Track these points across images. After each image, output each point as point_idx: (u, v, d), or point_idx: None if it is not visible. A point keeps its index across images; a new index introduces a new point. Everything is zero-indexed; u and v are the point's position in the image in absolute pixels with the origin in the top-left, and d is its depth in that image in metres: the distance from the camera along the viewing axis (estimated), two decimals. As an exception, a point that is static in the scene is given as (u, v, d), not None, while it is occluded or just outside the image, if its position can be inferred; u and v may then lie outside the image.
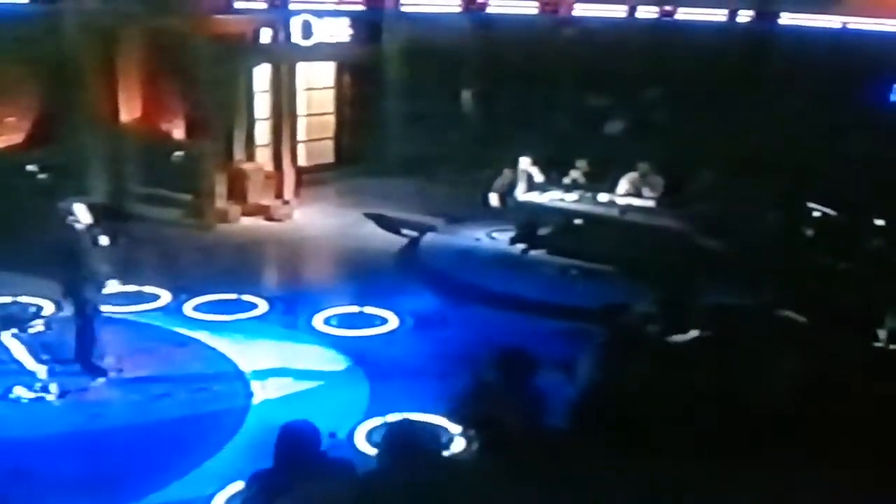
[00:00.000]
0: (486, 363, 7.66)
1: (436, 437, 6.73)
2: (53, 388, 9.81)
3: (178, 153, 16.75)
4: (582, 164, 15.60)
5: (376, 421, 9.37)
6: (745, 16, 21.79)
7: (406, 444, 5.87)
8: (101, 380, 10.13)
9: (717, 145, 16.53)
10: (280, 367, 10.62)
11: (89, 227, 10.27)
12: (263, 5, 18.11)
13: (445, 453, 7.99)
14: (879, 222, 11.97)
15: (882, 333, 10.17)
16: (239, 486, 8.20)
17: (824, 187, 14.58)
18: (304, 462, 5.71)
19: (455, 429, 8.96)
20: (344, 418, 9.44)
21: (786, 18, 21.31)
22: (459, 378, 10.02)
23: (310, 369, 10.71)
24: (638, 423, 7.67)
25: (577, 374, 8.51)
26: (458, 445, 8.57)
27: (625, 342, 8.89)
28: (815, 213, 12.81)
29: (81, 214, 10.22)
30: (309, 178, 18.43)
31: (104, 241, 10.37)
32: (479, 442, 7.55)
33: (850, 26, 20.55)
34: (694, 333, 9.49)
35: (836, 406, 8.98)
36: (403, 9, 20.23)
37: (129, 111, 17.09)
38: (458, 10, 20.70)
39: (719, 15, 21.85)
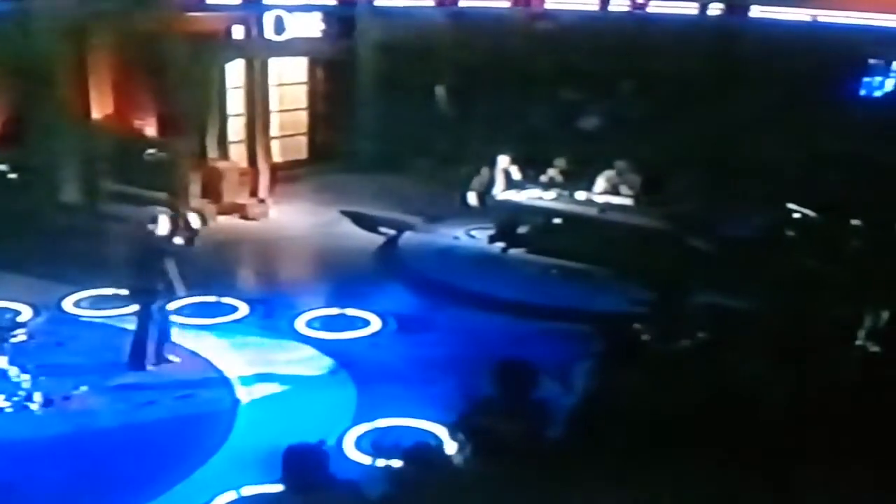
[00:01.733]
0: (483, 375, 7.68)
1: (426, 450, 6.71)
2: (37, 396, 9.69)
3: (151, 151, 16.58)
4: (560, 162, 15.60)
5: (365, 427, 9.38)
6: (715, 8, 21.84)
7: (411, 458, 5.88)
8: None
9: (689, 142, 16.59)
10: (265, 373, 10.58)
11: (168, 234, 10.57)
12: (236, 1, 17.96)
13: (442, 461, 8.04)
14: (855, 222, 12.08)
15: (861, 334, 10.26)
16: (230, 496, 8.22)
17: (797, 184, 14.72)
18: (314, 485, 5.71)
19: (448, 436, 8.99)
20: (332, 425, 9.42)
21: (756, 11, 21.38)
22: (446, 382, 10.11)
23: (295, 374, 10.68)
24: (634, 434, 7.72)
25: (573, 386, 8.52)
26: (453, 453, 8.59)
27: (621, 352, 8.92)
28: (795, 215, 12.91)
29: (162, 222, 10.51)
30: (283, 174, 18.31)
31: (181, 246, 10.71)
32: (475, 451, 7.58)
33: (819, 19, 20.66)
34: (685, 341, 9.52)
35: (821, 408, 9.09)
36: (376, 4, 20.11)
37: (101, 110, 16.87)
38: (431, 4, 20.60)
39: (690, 7, 21.88)
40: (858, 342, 10.36)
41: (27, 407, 9.59)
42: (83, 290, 12.59)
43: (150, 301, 10.53)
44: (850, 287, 11.12)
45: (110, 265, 13.12)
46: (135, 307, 10.77)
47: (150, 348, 10.56)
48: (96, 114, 16.82)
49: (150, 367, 10.53)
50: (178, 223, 10.80)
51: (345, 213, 16.69)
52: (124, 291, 11.11)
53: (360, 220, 16.33)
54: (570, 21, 20.52)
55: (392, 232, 15.68)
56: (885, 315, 10.30)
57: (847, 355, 10.07)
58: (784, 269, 12.13)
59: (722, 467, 8.02)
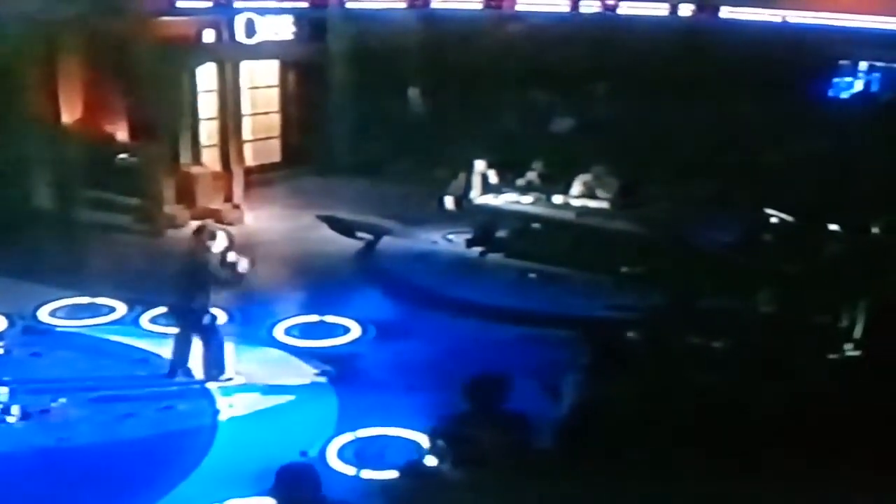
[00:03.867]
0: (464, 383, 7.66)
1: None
2: (15, 409, 9.54)
3: (122, 156, 16.41)
4: (537, 165, 15.62)
5: (348, 437, 9.34)
6: (686, 9, 21.94)
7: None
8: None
9: (663, 143, 16.68)
10: (245, 383, 10.49)
11: (224, 251, 10.47)
12: (206, 4, 17.82)
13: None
14: (832, 226, 12.19)
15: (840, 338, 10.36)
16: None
17: (773, 187, 14.82)
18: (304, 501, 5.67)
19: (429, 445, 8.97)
20: (314, 435, 9.37)
21: (726, 12, 21.50)
22: (427, 389, 10.10)
23: (276, 383, 10.60)
24: (623, 442, 7.75)
25: (562, 396, 8.53)
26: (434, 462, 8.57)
27: (601, 357, 8.94)
28: (773, 219, 13.01)
29: (219, 239, 10.44)
30: (257, 179, 18.22)
31: (243, 265, 10.60)
32: (457, 461, 7.58)
33: (789, 20, 20.81)
34: (665, 346, 9.56)
35: (802, 412, 9.16)
36: (348, 6, 20.03)
37: (71, 115, 16.70)
38: (403, 6, 20.55)
39: (661, 8, 21.96)
40: (838, 346, 10.46)
41: (4, 420, 9.43)
42: (58, 299, 12.43)
43: (199, 316, 10.44)
44: (828, 291, 11.22)
45: (85, 273, 13.06)
46: (180, 322, 10.70)
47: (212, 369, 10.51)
48: (67, 119, 16.65)
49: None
50: (233, 241, 10.76)
51: (321, 218, 16.59)
52: (168, 307, 11.01)
53: (337, 224, 16.23)
54: (542, 22, 20.58)
55: (369, 237, 15.60)
56: (863, 319, 10.41)
57: (826, 360, 10.16)
58: (762, 273, 12.22)
59: (703, 472, 8.09)
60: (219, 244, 10.46)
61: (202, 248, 10.43)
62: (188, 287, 10.44)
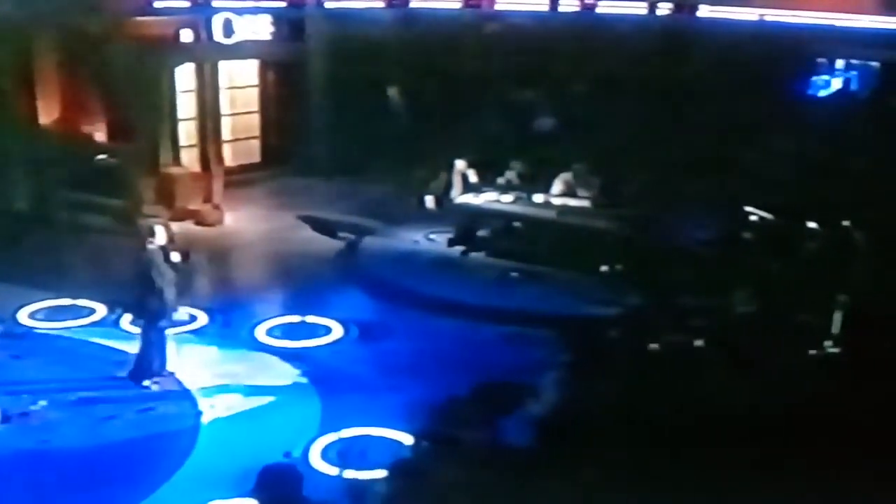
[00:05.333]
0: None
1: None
2: (-6, 412, 9.51)
3: (101, 157, 16.32)
4: (517, 164, 15.62)
5: (331, 437, 9.32)
6: (664, 8, 22.02)
7: None
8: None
9: (643, 142, 16.74)
10: (227, 384, 10.47)
11: (163, 246, 10.46)
12: (184, 4, 17.74)
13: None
14: (810, 224, 12.26)
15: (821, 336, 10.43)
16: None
17: (752, 185, 14.90)
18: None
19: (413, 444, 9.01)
20: (297, 435, 9.35)
21: (705, 11, 21.59)
22: (410, 389, 10.12)
23: (257, 384, 10.57)
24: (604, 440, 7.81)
25: (544, 396, 8.59)
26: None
27: (583, 354, 9.01)
28: (752, 217, 13.06)
29: (159, 235, 10.43)
30: (237, 179, 18.14)
31: (176, 258, 10.60)
32: (441, 459, 7.60)
33: (767, 18, 20.92)
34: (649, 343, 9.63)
35: (782, 408, 9.25)
36: (327, 5, 19.99)
37: (49, 115, 16.59)
38: (382, 5, 20.53)
39: (640, 7, 22.02)
40: (817, 342, 10.54)
41: (-15, 423, 9.39)
42: (38, 301, 12.37)
43: (155, 316, 10.41)
44: (807, 288, 11.29)
45: (64, 274, 12.97)
46: (138, 323, 10.75)
47: (154, 364, 10.47)
48: (45, 120, 16.55)
49: (148, 383, 10.40)
50: (173, 235, 10.79)
51: (302, 219, 16.54)
52: (126, 307, 11.16)
53: (318, 225, 16.19)
54: (521, 22, 20.62)
55: (351, 237, 15.58)
56: (841, 316, 10.48)
57: (806, 356, 10.24)
58: (742, 271, 12.28)
59: (684, 468, 8.16)
60: (158, 240, 10.43)
61: (144, 246, 10.44)
62: (137, 284, 10.47)
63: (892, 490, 8.02)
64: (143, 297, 10.38)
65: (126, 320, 11.85)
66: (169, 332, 10.68)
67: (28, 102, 16.41)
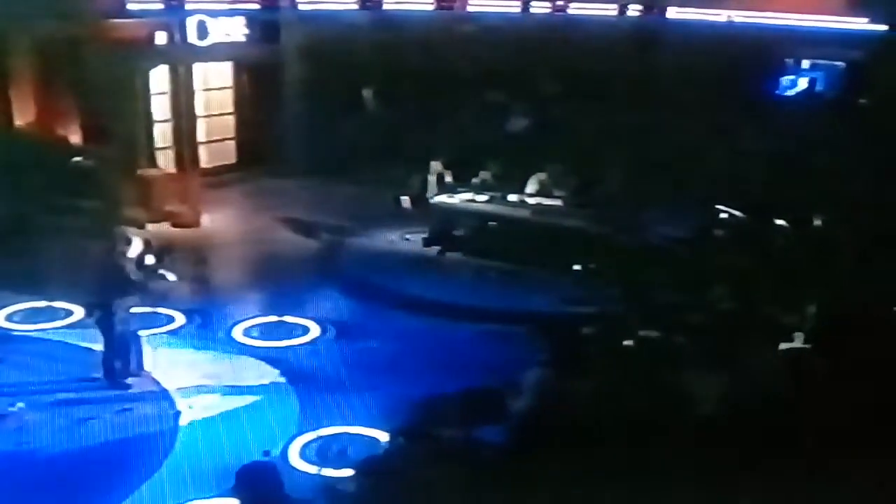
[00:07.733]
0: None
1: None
2: (-27, 415, 9.52)
3: (76, 159, 16.31)
4: (492, 165, 15.76)
5: (310, 436, 9.41)
6: (634, 10, 22.23)
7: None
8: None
9: (615, 142, 16.91)
10: (204, 384, 10.52)
11: (141, 252, 10.50)
12: (158, 6, 17.76)
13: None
14: (780, 221, 12.45)
15: (796, 334, 10.56)
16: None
17: (723, 184, 15.10)
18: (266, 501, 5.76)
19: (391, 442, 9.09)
20: (276, 435, 9.44)
21: (673, 12, 21.82)
22: (387, 388, 10.21)
23: (235, 384, 10.63)
24: (582, 437, 7.91)
25: (521, 393, 8.68)
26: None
27: (560, 353, 9.09)
28: (723, 215, 13.25)
29: (136, 241, 10.49)
30: (213, 180, 18.17)
31: (151, 260, 10.63)
32: (419, 458, 7.69)
33: (735, 20, 21.17)
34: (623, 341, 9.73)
35: (756, 406, 9.37)
36: (301, 7, 20.05)
37: (24, 117, 16.57)
38: (355, 7, 20.61)
39: (610, 9, 22.21)
40: (789, 339, 10.68)
41: (-36, 426, 9.41)
42: (15, 303, 12.37)
43: (125, 318, 10.44)
44: (778, 286, 11.44)
45: (41, 277, 12.97)
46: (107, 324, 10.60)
47: (130, 363, 10.53)
48: (19, 122, 16.52)
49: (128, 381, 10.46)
50: (149, 236, 10.88)
51: (279, 219, 16.60)
52: (91, 308, 10.90)
53: (294, 225, 16.26)
54: (494, 23, 20.76)
55: (327, 237, 15.65)
56: (813, 312, 10.63)
57: (779, 353, 10.37)
58: (714, 269, 12.44)
59: (662, 466, 8.28)
60: (134, 249, 10.47)
61: (118, 253, 10.45)
62: (105, 289, 10.45)
63: (867, 487, 8.15)
64: (115, 298, 10.36)
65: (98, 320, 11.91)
66: (144, 332, 10.74)
67: (2, 105, 16.37)
